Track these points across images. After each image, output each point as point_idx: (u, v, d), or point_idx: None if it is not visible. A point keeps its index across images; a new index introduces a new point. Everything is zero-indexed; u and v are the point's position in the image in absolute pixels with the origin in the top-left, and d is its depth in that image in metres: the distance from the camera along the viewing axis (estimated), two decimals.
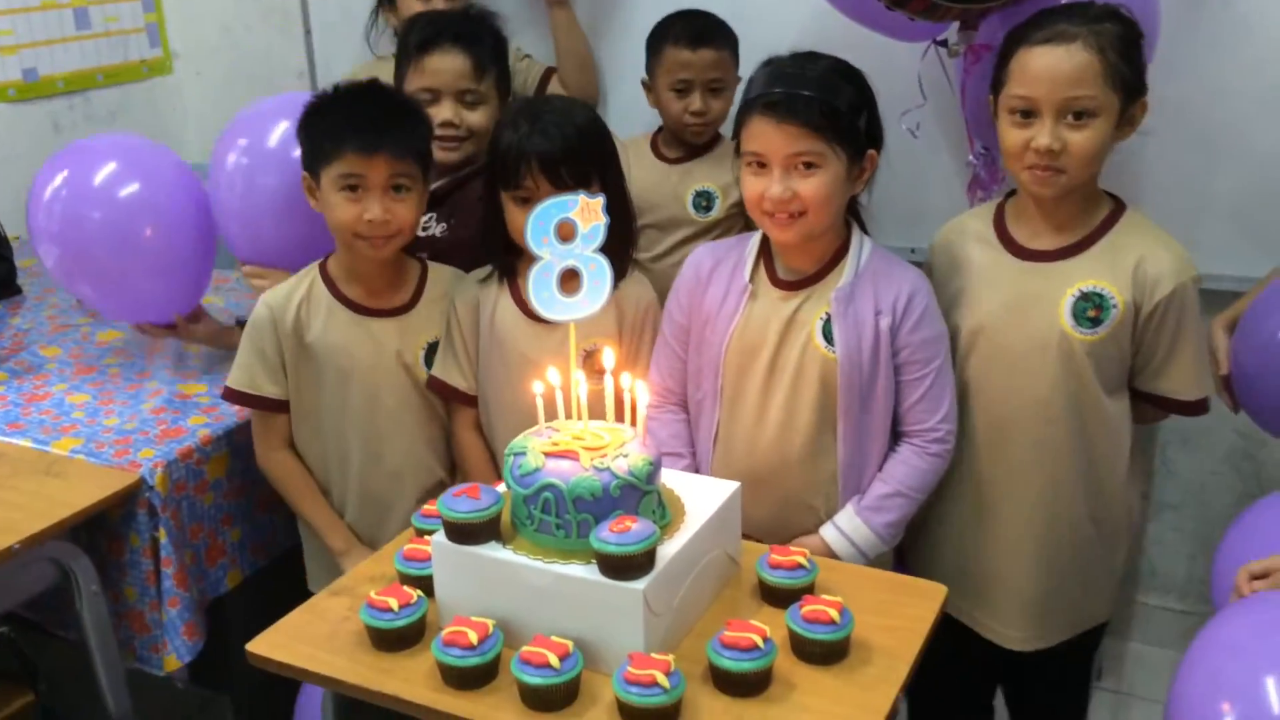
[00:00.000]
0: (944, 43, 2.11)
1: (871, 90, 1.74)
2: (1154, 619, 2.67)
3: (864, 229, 1.83)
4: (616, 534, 1.31)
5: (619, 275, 1.88)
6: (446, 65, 2.18)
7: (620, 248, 1.90)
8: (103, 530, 1.98)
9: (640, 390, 1.41)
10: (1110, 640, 2.56)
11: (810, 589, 1.46)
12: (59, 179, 2.18)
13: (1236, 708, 1.22)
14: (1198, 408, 1.82)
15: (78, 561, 1.88)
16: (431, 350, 2.02)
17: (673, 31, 2.34)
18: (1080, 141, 1.65)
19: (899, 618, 1.45)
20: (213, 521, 2.09)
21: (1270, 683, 1.21)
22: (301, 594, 1.73)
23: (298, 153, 1.98)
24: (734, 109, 1.93)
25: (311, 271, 2.03)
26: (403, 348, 2.00)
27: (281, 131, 2.13)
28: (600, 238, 1.46)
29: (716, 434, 1.83)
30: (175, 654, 1.98)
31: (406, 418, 2.02)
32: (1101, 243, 1.75)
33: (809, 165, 1.67)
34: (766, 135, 1.69)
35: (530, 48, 2.69)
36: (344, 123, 1.89)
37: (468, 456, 2.02)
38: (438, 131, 2.11)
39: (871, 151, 1.73)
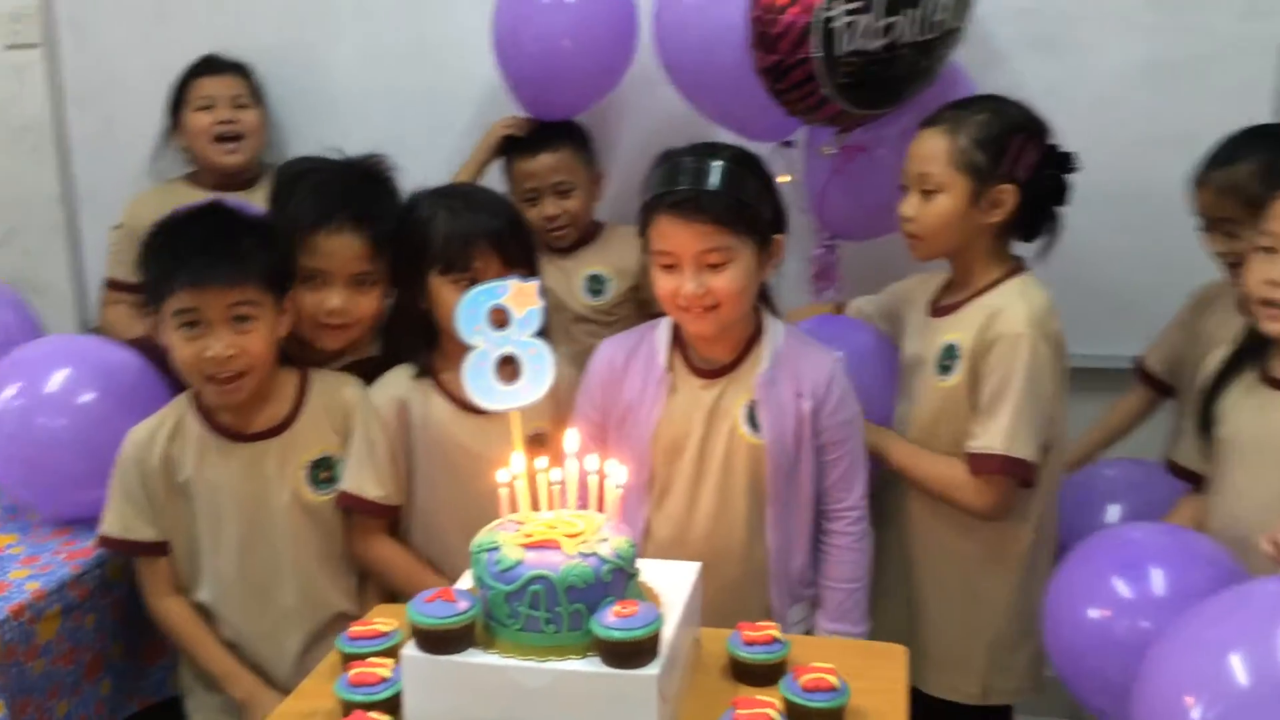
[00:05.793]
0: (789, 144, 2.22)
1: (770, 175, 1.74)
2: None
3: (774, 311, 1.83)
4: (622, 619, 1.23)
5: None
6: (338, 248, 1.87)
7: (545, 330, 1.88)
8: None
9: (612, 469, 1.36)
10: None
11: (785, 663, 1.43)
12: None
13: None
14: (1017, 467, 1.78)
15: None
16: (317, 467, 1.85)
17: (516, 145, 2.36)
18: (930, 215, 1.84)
19: (876, 679, 1.43)
20: (40, 694, 1.80)
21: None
22: None
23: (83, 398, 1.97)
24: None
25: (181, 402, 1.85)
26: (284, 471, 1.83)
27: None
28: (538, 322, 1.42)
29: (647, 528, 1.77)
30: None
31: (296, 550, 1.84)
32: (978, 301, 1.85)
33: (720, 261, 1.66)
34: (675, 234, 1.66)
35: None
36: (172, 254, 1.75)
37: (390, 565, 1.87)
38: (324, 319, 1.90)
39: (778, 236, 1.73)
